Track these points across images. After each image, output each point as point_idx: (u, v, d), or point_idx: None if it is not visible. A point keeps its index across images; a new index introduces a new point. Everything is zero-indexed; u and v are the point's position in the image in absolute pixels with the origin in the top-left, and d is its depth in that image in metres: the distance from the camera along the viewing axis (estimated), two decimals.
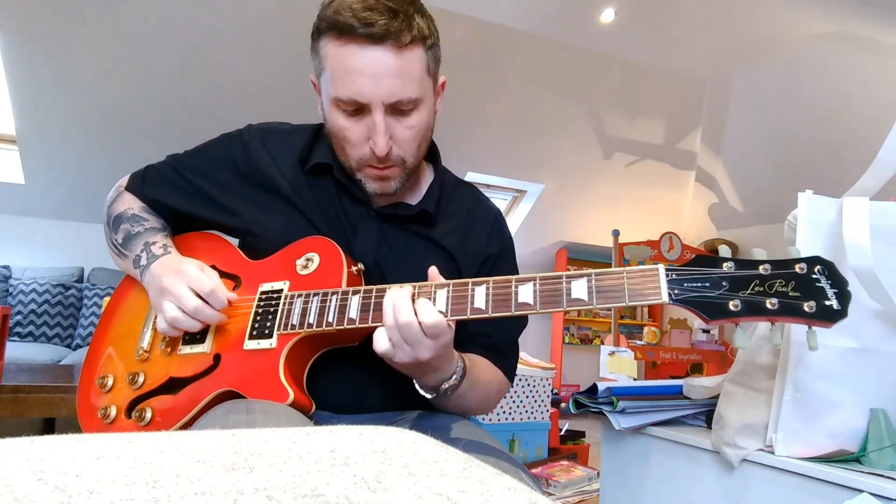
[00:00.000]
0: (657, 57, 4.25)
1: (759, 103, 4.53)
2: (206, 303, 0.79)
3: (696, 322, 4.73)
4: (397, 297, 0.70)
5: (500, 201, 5.41)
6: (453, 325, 0.71)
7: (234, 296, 0.82)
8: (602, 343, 4.84)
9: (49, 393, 1.86)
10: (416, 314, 0.69)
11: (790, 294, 0.63)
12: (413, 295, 0.71)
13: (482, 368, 0.86)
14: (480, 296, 0.69)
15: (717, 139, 5.03)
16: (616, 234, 3.88)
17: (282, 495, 0.27)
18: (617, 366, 2.91)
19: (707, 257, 0.66)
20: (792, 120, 4.42)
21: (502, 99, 4.35)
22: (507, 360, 0.93)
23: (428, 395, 0.79)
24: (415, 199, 0.93)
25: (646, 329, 4.56)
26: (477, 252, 0.93)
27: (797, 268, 0.64)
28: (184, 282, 0.79)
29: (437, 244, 0.91)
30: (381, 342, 0.71)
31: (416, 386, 0.79)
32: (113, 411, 0.84)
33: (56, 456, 0.29)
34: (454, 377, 0.77)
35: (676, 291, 0.64)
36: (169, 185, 0.94)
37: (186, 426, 0.78)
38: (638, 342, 4.39)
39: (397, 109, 0.80)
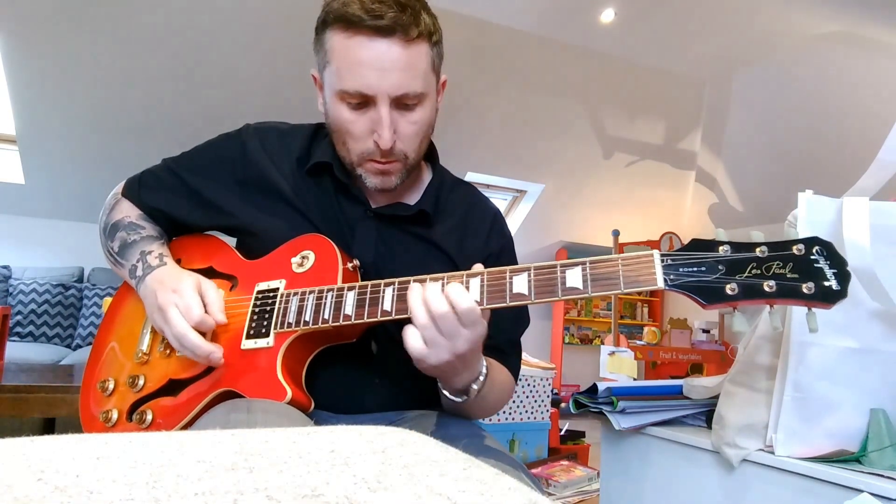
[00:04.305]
0: (657, 57, 4.25)
1: (760, 103, 4.53)
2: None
3: (696, 322, 4.74)
4: (428, 291, 0.68)
5: (500, 201, 5.41)
6: (488, 314, 0.70)
7: (223, 319, 0.80)
8: (602, 343, 4.84)
9: (49, 393, 1.86)
10: (450, 303, 0.67)
11: (788, 276, 0.61)
12: (442, 284, 0.69)
13: (496, 368, 0.86)
14: (475, 287, 0.69)
15: (717, 139, 5.03)
16: (616, 234, 3.88)
17: (282, 495, 0.27)
18: (617, 366, 2.91)
19: (703, 241, 0.65)
20: (792, 120, 4.42)
21: (502, 99, 4.35)
22: (511, 359, 0.93)
23: (458, 399, 0.78)
24: (413, 199, 0.93)
25: (646, 329, 4.57)
26: (476, 252, 0.93)
27: (795, 249, 0.62)
28: (175, 307, 0.77)
29: (435, 245, 0.90)
30: (414, 343, 0.68)
31: (445, 393, 0.78)
32: (114, 415, 0.84)
33: (56, 456, 0.29)
34: (481, 377, 0.76)
35: (672, 277, 0.63)
36: (166, 189, 0.93)
37: (187, 427, 0.78)
38: (638, 342, 4.39)
39: (402, 104, 0.80)
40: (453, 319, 0.67)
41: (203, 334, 0.77)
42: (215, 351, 0.76)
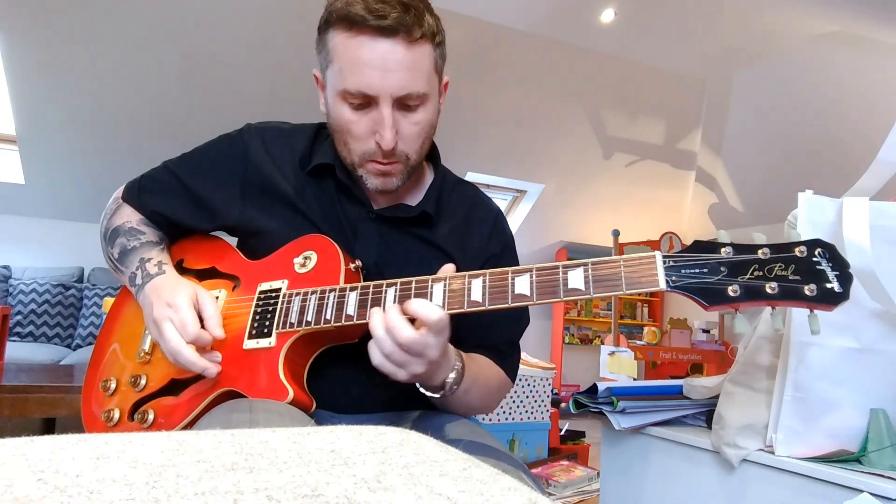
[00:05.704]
0: (657, 57, 4.25)
1: (759, 103, 4.53)
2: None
3: (696, 322, 4.74)
4: (390, 318, 0.69)
5: (500, 201, 5.41)
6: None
7: (221, 334, 0.78)
8: (602, 343, 4.84)
9: (49, 393, 1.86)
10: (412, 322, 0.68)
11: (790, 278, 0.62)
12: (397, 304, 0.70)
13: (481, 365, 0.86)
14: (477, 288, 0.69)
15: (717, 139, 5.03)
16: (616, 234, 3.88)
17: (282, 495, 0.27)
18: (617, 366, 2.90)
19: (705, 243, 0.65)
20: (792, 120, 4.42)
21: (502, 99, 4.35)
22: (507, 359, 0.92)
23: (436, 395, 0.78)
24: (415, 200, 0.93)
25: (646, 329, 4.57)
26: (477, 252, 0.93)
27: (797, 251, 0.63)
28: (170, 322, 0.77)
29: (436, 246, 0.90)
30: (383, 363, 0.70)
31: (421, 390, 0.78)
32: (116, 414, 0.84)
33: (56, 456, 0.29)
34: (454, 372, 0.77)
35: (674, 278, 0.63)
36: (167, 192, 0.93)
37: (188, 427, 0.79)
38: (638, 342, 4.39)
39: (404, 104, 0.80)
40: (420, 340, 0.67)
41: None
42: (210, 367, 0.76)
